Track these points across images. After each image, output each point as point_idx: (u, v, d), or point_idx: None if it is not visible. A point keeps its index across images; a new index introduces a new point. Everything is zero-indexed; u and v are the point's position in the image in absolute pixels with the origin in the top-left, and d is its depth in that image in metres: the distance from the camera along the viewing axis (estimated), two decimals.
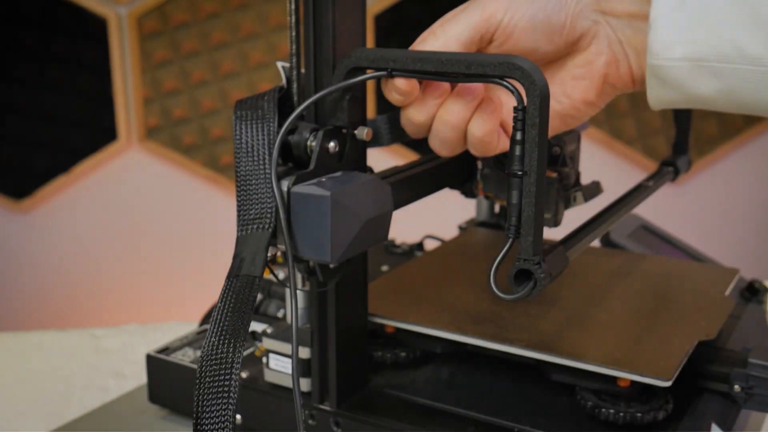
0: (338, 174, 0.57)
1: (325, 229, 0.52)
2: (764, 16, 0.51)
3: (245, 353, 0.72)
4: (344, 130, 0.57)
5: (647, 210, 0.89)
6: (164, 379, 0.75)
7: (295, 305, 0.52)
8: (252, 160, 0.54)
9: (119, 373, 0.96)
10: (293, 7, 0.57)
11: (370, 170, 0.61)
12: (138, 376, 0.95)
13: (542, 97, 0.49)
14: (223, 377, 0.50)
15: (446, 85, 0.57)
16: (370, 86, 2.09)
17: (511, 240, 0.53)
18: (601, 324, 0.70)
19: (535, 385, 0.68)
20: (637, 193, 0.75)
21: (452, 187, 0.72)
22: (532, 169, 0.50)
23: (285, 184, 0.53)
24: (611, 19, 0.57)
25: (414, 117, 0.58)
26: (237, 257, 0.54)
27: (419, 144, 0.62)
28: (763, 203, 2.45)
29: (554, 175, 0.64)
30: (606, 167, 2.24)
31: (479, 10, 0.56)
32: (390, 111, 0.72)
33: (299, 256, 0.54)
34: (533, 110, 0.49)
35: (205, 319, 0.84)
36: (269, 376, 0.67)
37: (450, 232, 0.98)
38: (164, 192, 2.22)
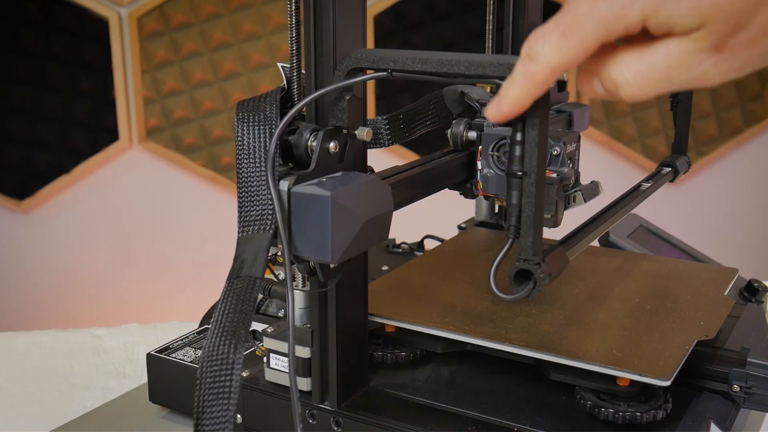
0: (338, 174, 0.57)
1: (325, 229, 0.52)
2: None
3: (246, 352, 0.72)
4: (344, 131, 0.57)
5: (647, 210, 0.89)
6: (165, 379, 0.75)
7: (292, 305, 0.52)
8: (253, 161, 0.55)
9: (120, 373, 0.97)
10: (294, 7, 0.57)
11: (370, 170, 0.62)
12: (139, 376, 0.95)
13: (542, 98, 0.49)
14: (223, 377, 0.50)
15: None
16: (370, 87, 2.09)
17: (510, 240, 0.53)
18: (601, 324, 0.70)
19: (534, 384, 0.68)
20: (637, 193, 0.75)
21: (452, 187, 0.72)
22: (531, 170, 0.50)
23: (285, 185, 0.53)
24: None
25: None
26: (238, 258, 0.54)
27: (419, 144, 0.62)
28: (762, 203, 2.45)
29: (554, 175, 0.64)
30: (606, 167, 2.24)
31: None
32: (390, 112, 0.72)
33: (300, 256, 0.54)
34: (533, 111, 0.49)
35: (206, 319, 0.84)
36: (270, 376, 0.68)
37: (450, 232, 0.98)
38: (165, 192, 2.22)
